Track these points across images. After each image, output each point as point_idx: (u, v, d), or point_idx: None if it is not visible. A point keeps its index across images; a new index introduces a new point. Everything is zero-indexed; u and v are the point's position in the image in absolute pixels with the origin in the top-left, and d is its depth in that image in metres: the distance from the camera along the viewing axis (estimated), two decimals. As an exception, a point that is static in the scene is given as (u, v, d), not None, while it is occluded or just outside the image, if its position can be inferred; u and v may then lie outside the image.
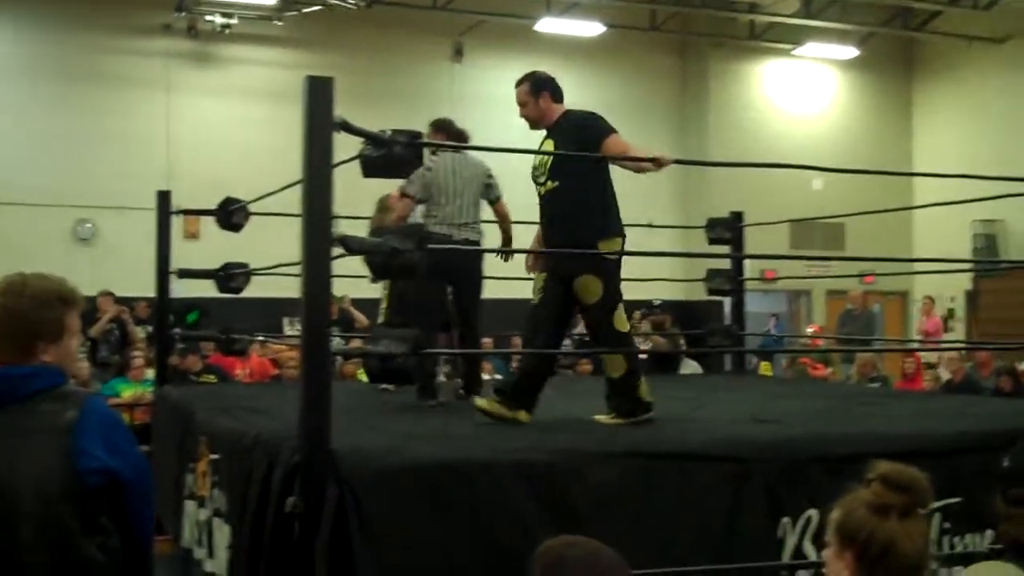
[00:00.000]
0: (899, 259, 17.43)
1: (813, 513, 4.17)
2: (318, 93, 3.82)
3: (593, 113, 5.27)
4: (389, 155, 4.14)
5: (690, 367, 10.17)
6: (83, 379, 9.82)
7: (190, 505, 5.32)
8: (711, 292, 8.28)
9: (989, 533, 4.40)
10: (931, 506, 2.31)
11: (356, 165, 4.17)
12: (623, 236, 5.17)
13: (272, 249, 7.25)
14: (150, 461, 6.32)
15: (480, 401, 5.09)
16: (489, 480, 3.79)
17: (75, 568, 2.65)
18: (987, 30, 17.68)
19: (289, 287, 4.65)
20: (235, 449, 4.47)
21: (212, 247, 9.00)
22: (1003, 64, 17.76)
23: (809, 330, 16.27)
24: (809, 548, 4.18)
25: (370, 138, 4.13)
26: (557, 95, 5.26)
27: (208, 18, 15.82)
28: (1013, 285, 15.97)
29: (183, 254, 7.54)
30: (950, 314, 17.95)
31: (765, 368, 12.43)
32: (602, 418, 5.09)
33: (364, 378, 9.39)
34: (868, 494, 2.33)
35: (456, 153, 6.20)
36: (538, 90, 5.22)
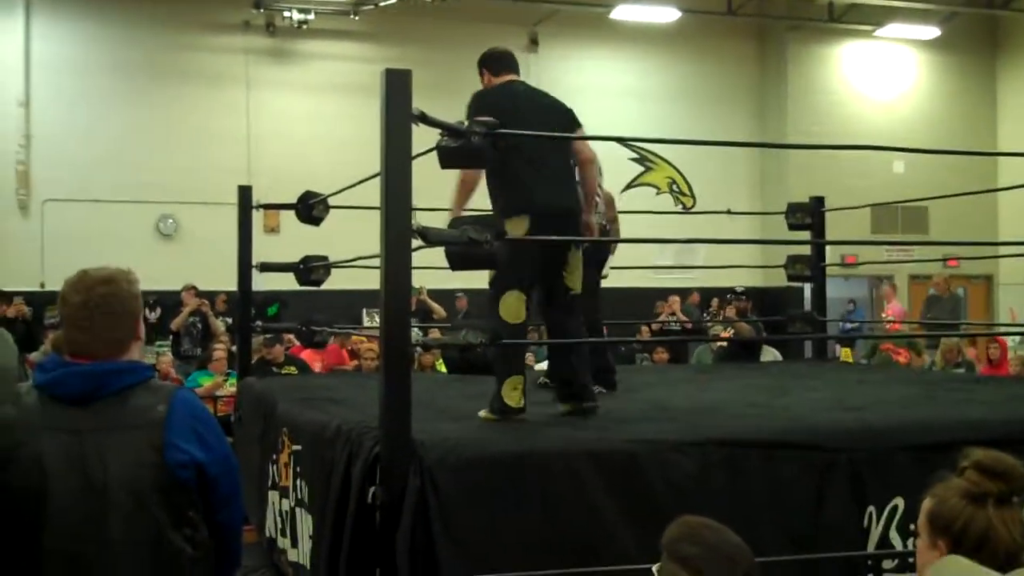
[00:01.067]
0: (979, 243, 17.04)
1: (899, 501, 4.11)
2: (396, 85, 3.84)
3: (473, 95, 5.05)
4: (467, 146, 4.13)
5: (770, 354, 10.05)
6: (164, 373, 10.02)
7: (273, 495, 5.39)
8: (791, 278, 8.16)
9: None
10: None
11: (435, 157, 4.18)
12: (532, 215, 4.71)
13: (351, 242, 7.32)
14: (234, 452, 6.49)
15: (481, 413, 4.71)
16: (567, 470, 3.78)
17: (165, 561, 2.68)
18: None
19: (368, 279, 4.68)
20: (317, 440, 4.52)
21: (292, 241, 9.09)
22: (1091, 41, 17.28)
23: (886, 314, 15.98)
24: (895, 537, 4.12)
25: (448, 129, 4.14)
26: (494, 69, 5.17)
27: (286, 14, 16.02)
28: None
29: (264, 248, 7.63)
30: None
31: (846, 355, 12.25)
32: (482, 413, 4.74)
33: (443, 369, 9.48)
34: (963, 482, 2.29)
35: None
36: (479, 72, 5.21)
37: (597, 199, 5.71)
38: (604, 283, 6.31)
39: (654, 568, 2.26)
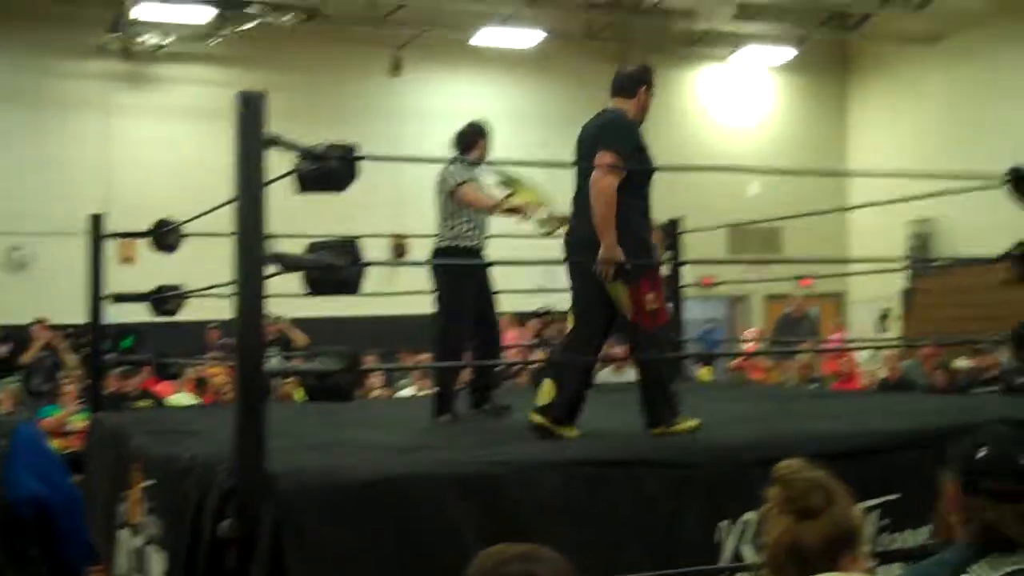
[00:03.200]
0: (832, 260, 17.60)
1: (751, 516, 4.19)
2: (249, 108, 3.79)
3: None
4: (324, 169, 4.10)
5: (630, 375, 10.18)
6: (5, 409, 9.62)
7: (124, 533, 5.21)
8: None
9: (925, 529, 4.45)
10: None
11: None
12: None
13: (212, 271, 7.16)
14: (83, 489, 6.26)
15: (536, 418, 4.97)
16: (428, 495, 3.76)
17: None
18: (921, 31, 17.96)
19: (228, 309, 4.59)
20: (169, 474, 4.39)
21: (150, 271, 8.84)
22: (937, 64, 18.03)
23: (746, 335, 16.38)
24: (747, 551, 4.20)
25: (303, 153, 4.09)
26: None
27: (142, 39, 15.66)
28: (948, 284, 16.18)
29: (122, 278, 7.41)
30: (886, 314, 18.15)
31: (705, 373, 12.48)
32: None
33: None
34: (770, 494, 2.34)
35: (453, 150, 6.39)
36: (640, 83, 5.31)
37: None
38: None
39: None
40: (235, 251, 3.74)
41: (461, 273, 6.14)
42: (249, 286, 3.74)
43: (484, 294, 6.28)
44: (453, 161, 6.21)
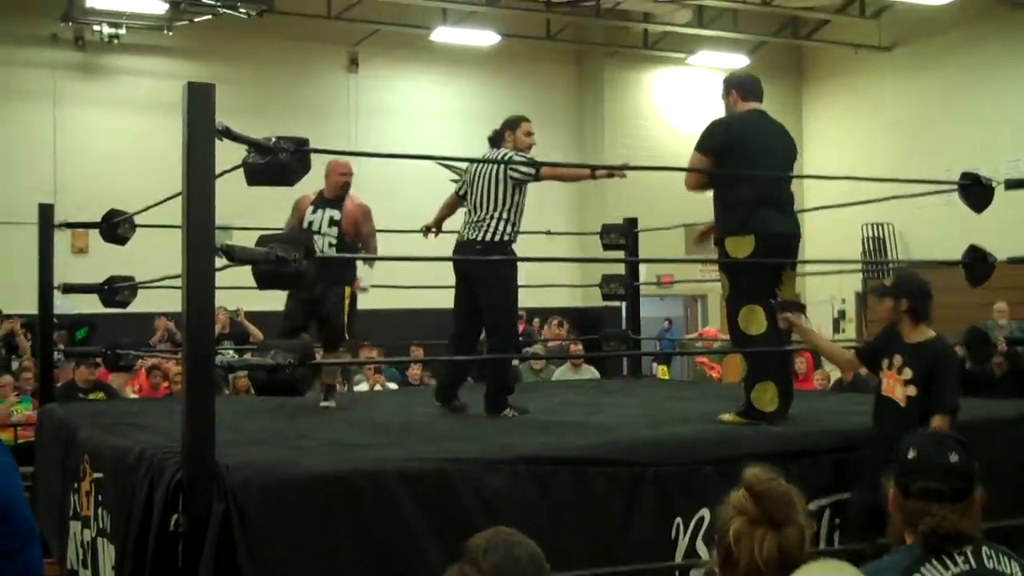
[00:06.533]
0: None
1: (705, 512, 4.21)
2: (198, 100, 3.75)
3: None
4: (274, 162, 4.06)
5: (588, 372, 10.21)
6: None
7: (75, 525, 5.15)
8: (606, 297, 8.34)
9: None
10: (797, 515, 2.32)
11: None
12: (756, 236, 5.20)
13: (164, 262, 7.08)
14: (33, 482, 6.18)
15: (725, 416, 5.19)
16: (376, 490, 3.74)
17: None
18: (875, 38, 18.14)
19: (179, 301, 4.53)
20: (118, 467, 4.34)
21: (101, 262, 8.74)
22: (890, 71, 18.23)
23: (701, 333, 16.48)
24: (701, 548, 4.22)
25: (254, 145, 4.05)
26: (743, 95, 5.55)
27: (96, 28, 15.45)
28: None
29: (72, 269, 7.33)
30: (841, 315, 18.33)
31: (663, 372, 12.53)
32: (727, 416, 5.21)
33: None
34: (733, 499, 2.35)
35: (488, 152, 6.21)
36: (726, 90, 5.60)
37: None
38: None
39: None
40: (184, 243, 3.70)
41: (514, 269, 6.04)
42: (197, 278, 3.69)
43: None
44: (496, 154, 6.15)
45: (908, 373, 4.56)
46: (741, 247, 5.17)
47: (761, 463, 2.42)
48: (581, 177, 6.75)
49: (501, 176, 5.91)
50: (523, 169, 5.88)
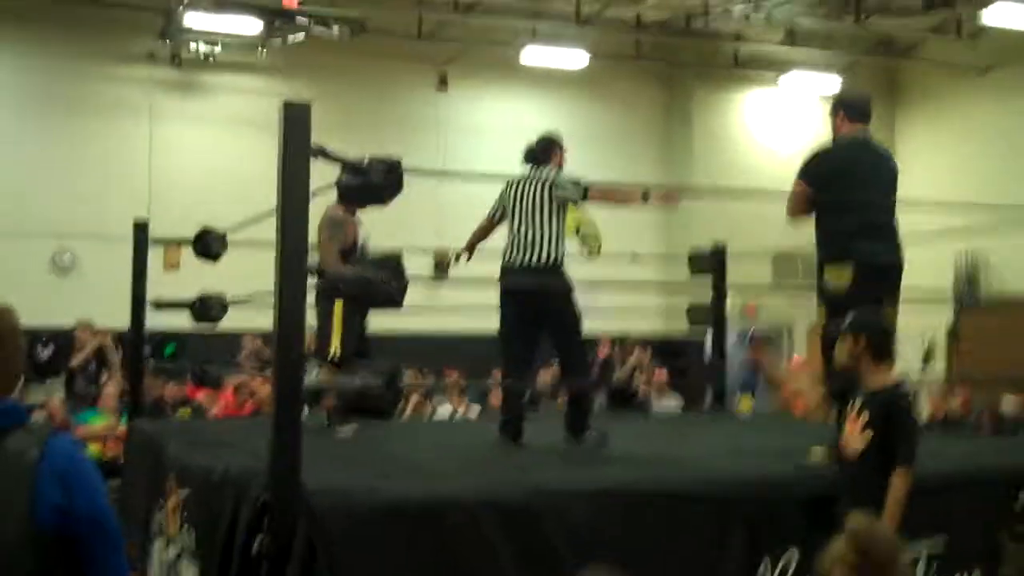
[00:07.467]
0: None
1: (794, 552, 4.09)
2: (295, 119, 3.76)
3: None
4: (367, 182, 4.06)
5: (672, 399, 10.09)
6: (53, 413, 9.52)
7: (159, 543, 5.19)
8: (693, 324, 8.21)
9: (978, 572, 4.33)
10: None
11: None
12: (856, 264, 5.07)
13: (249, 279, 7.14)
14: (120, 496, 6.25)
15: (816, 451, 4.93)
16: (463, 519, 3.69)
17: None
18: (970, 60, 17.73)
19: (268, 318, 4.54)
20: (204, 485, 4.36)
21: (194, 279, 8.82)
22: (986, 94, 17.79)
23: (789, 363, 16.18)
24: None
25: (348, 165, 4.05)
26: (850, 115, 5.46)
27: (192, 46, 15.75)
28: (995, 322, 15.90)
29: (165, 285, 7.40)
30: (931, 351, 17.83)
31: (745, 404, 12.28)
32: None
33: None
34: (836, 547, 2.26)
35: (528, 172, 5.97)
36: (834, 109, 5.55)
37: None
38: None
39: None
40: (278, 263, 3.69)
41: (571, 290, 5.82)
42: (291, 298, 3.69)
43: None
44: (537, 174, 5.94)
45: (864, 418, 4.25)
46: (841, 275, 5.01)
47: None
48: (632, 201, 6.25)
49: (547, 196, 5.75)
50: (572, 190, 5.74)
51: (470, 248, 6.28)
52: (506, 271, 5.74)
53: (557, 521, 3.82)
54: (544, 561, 3.71)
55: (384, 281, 4.03)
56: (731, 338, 7.81)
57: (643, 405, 10.83)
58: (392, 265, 3.99)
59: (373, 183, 4.05)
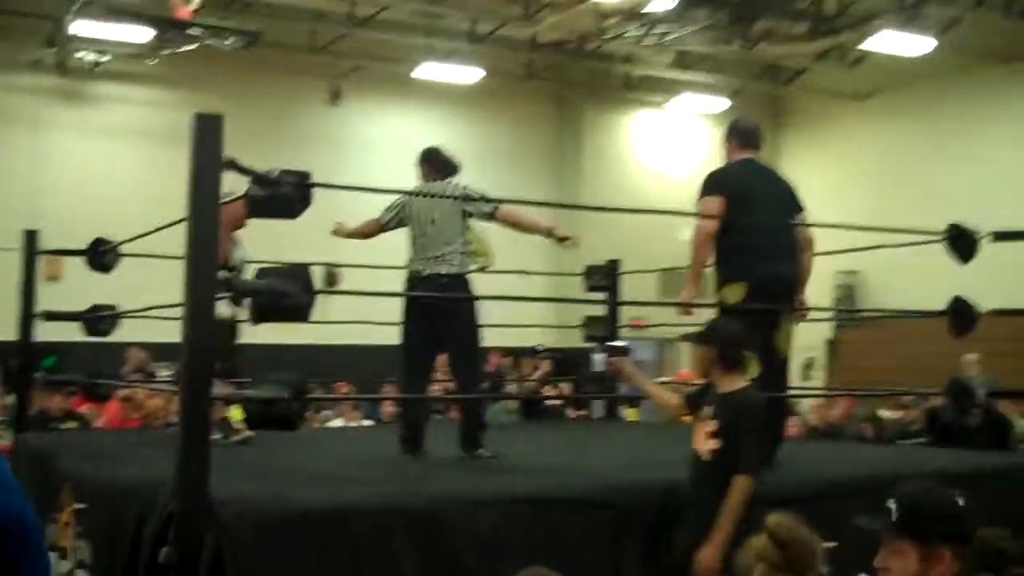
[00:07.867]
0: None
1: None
2: (207, 131, 3.76)
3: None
4: (276, 195, 4.07)
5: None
6: None
7: (51, 557, 5.09)
8: (588, 339, 8.37)
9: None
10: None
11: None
12: (750, 284, 5.35)
13: (135, 291, 7.02)
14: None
15: None
16: (370, 527, 3.73)
17: None
18: (852, 86, 18.37)
19: (162, 331, 4.51)
20: (104, 497, 4.31)
21: (75, 290, 8.62)
22: (868, 119, 18.48)
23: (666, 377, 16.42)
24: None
25: (258, 178, 4.06)
26: (739, 143, 5.71)
27: (79, 55, 15.42)
28: (871, 336, 16.48)
29: (43, 296, 7.23)
30: (811, 363, 18.37)
31: (632, 415, 12.46)
32: None
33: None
34: (756, 544, 2.36)
35: (436, 182, 5.92)
36: (726, 136, 5.77)
37: None
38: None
39: None
40: (187, 274, 3.69)
41: (476, 303, 5.81)
42: (200, 310, 3.69)
43: None
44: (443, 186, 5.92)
45: (713, 425, 4.34)
46: (734, 293, 5.20)
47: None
48: (534, 231, 6.05)
49: (456, 207, 5.74)
50: (482, 207, 5.74)
51: (347, 232, 6.27)
52: (412, 281, 5.74)
53: (461, 528, 3.88)
54: (449, 567, 3.77)
55: (293, 294, 4.04)
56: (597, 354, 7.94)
57: (556, 414, 11.11)
58: (302, 277, 4.00)
59: (282, 196, 4.06)
